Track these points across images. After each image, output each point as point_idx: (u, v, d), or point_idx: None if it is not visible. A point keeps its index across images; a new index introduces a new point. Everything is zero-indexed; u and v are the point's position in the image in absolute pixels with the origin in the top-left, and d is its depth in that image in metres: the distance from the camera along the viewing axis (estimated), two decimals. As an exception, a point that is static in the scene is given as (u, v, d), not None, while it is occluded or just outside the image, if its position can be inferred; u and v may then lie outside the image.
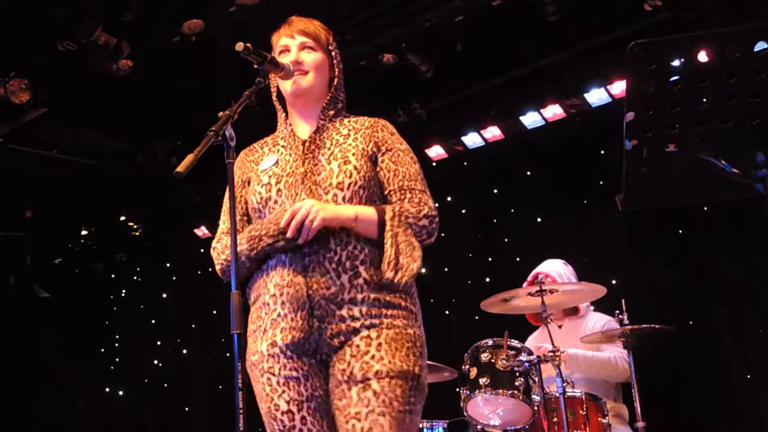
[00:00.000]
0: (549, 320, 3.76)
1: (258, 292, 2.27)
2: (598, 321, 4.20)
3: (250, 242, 2.22)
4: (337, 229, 2.18)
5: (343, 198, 2.21)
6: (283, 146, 2.38)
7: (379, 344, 2.12)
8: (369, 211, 2.20)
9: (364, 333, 2.13)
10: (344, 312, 2.15)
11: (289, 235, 2.13)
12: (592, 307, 4.37)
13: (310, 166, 2.27)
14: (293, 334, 2.17)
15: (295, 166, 2.29)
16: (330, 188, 2.22)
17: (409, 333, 2.17)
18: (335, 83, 2.40)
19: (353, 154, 2.27)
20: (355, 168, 2.24)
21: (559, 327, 4.29)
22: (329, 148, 2.30)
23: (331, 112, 2.39)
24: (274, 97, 2.48)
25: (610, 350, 3.99)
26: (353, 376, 2.11)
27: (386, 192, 2.29)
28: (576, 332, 4.15)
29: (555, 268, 4.26)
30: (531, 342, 4.26)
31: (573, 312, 4.28)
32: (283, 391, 2.18)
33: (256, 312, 2.28)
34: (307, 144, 2.34)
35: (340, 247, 2.17)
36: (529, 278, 4.31)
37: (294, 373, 2.18)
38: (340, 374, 2.14)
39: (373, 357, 2.11)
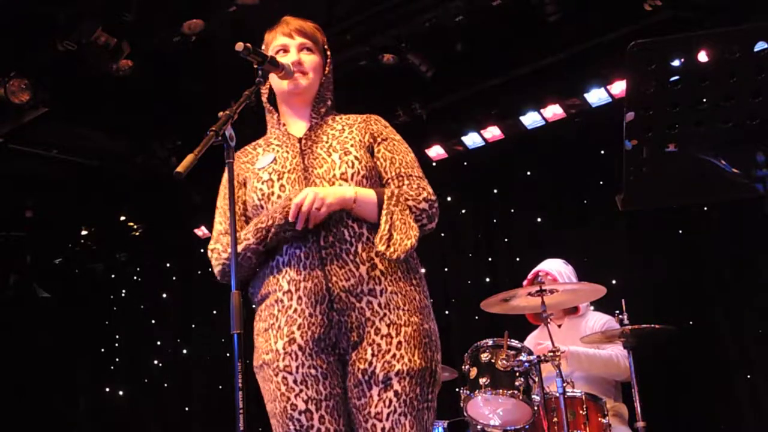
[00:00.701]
0: (549, 320, 3.76)
1: (267, 289, 2.25)
2: (598, 320, 4.20)
3: (257, 234, 2.21)
4: (349, 222, 2.19)
5: None
6: (278, 145, 2.37)
7: (399, 343, 2.14)
8: (368, 192, 2.21)
9: (384, 331, 2.14)
10: (363, 304, 2.15)
11: (298, 227, 2.14)
12: (591, 307, 4.37)
13: (310, 161, 2.28)
14: (313, 330, 2.16)
15: (295, 162, 2.29)
16: (334, 179, 2.22)
17: (426, 328, 2.21)
18: (322, 81, 2.41)
19: (352, 145, 2.29)
20: (356, 158, 2.26)
21: (559, 326, 4.29)
22: (327, 142, 2.32)
23: (323, 110, 2.40)
24: (264, 99, 2.47)
25: (612, 348, 3.99)
26: (375, 376, 2.12)
27: (384, 181, 2.30)
28: (576, 331, 4.15)
29: (555, 267, 4.26)
30: (530, 341, 4.26)
31: (573, 311, 4.29)
32: (301, 390, 2.16)
33: (267, 310, 2.25)
34: (303, 141, 2.34)
35: (355, 239, 2.18)
36: (530, 276, 4.31)
37: (313, 371, 2.16)
38: (360, 374, 2.14)
39: (394, 356, 2.12)
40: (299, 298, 2.17)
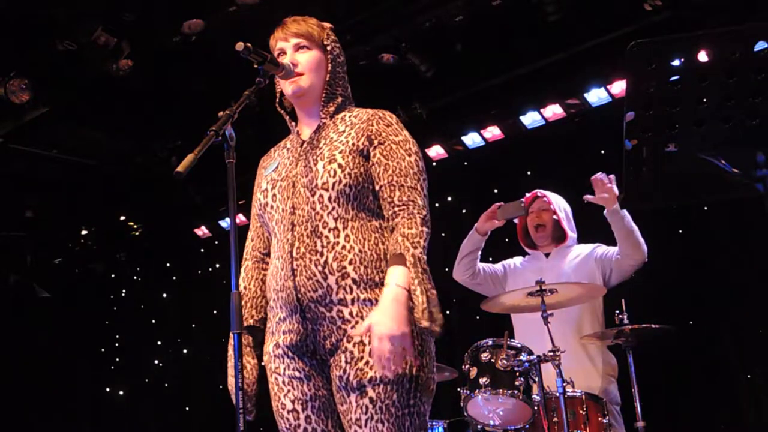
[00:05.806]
0: (548, 320, 3.73)
1: (269, 295, 2.32)
2: (584, 251, 4.22)
3: None
4: (324, 231, 2.18)
5: (329, 198, 2.19)
6: (287, 149, 2.39)
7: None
8: (402, 274, 2.10)
9: (357, 338, 2.11)
10: (334, 314, 2.15)
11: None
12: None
13: (301, 168, 2.28)
14: (291, 337, 2.21)
15: (290, 169, 2.31)
16: (316, 189, 2.21)
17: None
18: (327, 79, 2.35)
19: (341, 152, 2.23)
20: (340, 166, 2.21)
21: (547, 255, 4.30)
22: (320, 148, 2.28)
23: (332, 108, 2.36)
24: (276, 103, 2.46)
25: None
26: (350, 383, 2.11)
27: (377, 187, 2.24)
28: (563, 261, 4.19)
29: (555, 197, 4.31)
30: (514, 267, 4.34)
31: (561, 240, 4.29)
32: (288, 391, 2.22)
33: (269, 314, 2.33)
34: (304, 145, 2.34)
35: (327, 249, 2.16)
36: (528, 195, 4.39)
37: (297, 374, 2.22)
38: (337, 380, 2.14)
39: (366, 363, 2.10)
40: (281, 306, 2.23)
